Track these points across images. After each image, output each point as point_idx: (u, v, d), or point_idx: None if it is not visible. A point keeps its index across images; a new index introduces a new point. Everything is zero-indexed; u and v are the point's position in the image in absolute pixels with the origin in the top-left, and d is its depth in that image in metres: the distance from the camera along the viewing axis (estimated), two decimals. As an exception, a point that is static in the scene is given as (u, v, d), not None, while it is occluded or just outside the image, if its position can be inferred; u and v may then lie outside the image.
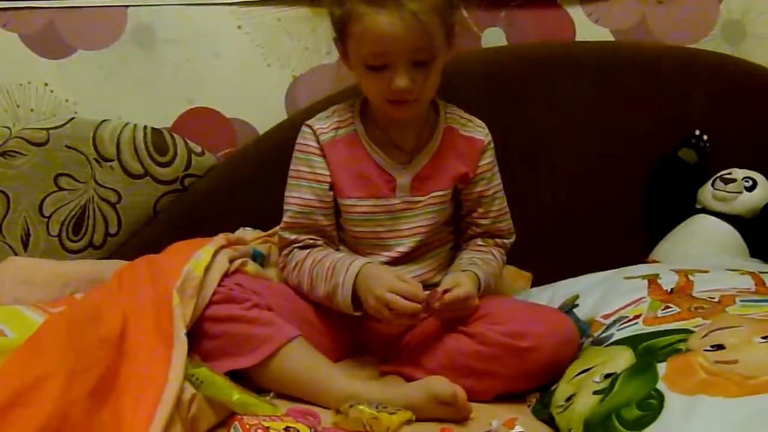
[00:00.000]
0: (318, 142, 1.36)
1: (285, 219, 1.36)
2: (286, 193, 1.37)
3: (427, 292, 1.25)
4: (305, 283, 1.33)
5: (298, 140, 1.38)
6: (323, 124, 1.37)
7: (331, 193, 1.36)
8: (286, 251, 1.37)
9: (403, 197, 1.36)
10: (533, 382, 1.26)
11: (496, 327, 1.25)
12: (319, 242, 1.37)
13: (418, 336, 1.32)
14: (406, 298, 1.22)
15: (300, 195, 1.35)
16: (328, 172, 1.35)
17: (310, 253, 1.34)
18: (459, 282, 1.26)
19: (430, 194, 1.36)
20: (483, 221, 1.40)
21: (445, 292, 1.24)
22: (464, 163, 1.37)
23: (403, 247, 1.36)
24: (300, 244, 1.36)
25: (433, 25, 1.23)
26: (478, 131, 1.40)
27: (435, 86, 1.31)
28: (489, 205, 1.40)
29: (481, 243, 1.41)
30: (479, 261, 1.36)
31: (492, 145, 1.41)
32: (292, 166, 1.37)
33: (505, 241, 1.43)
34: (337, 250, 1.38)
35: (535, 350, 1.22)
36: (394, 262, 1.36)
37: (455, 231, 1.44)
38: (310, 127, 1.37)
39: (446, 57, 1.31)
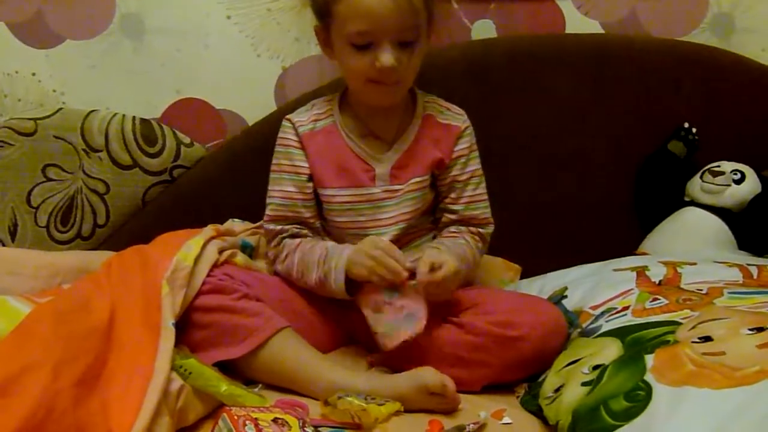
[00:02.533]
0: (297, 135, 1.37)
1: (267, 212, 1.38)
2: (269, 187, 1.38)
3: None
4: (296, 270, 1.33)
5: (279, 134, 1.39)
6: (302, 117, 1.38)
7: (311, 184, 1.37)
8: (274, 242, 1.38)
9: (383, 186, 1.36)
10: (522, 372, 1.27)
11: (485, 317, 1.25)
12: (305, 231, 1.37)
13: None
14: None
15: (281, 188, 1.37)
16: (307, 164, 1.36)
17: (301, 243, 1.35)
18: (444, 261, 1.24)
19: (408, 182, 1.36)
20: (455, 207, 1.40)
21: (433, 269, 1.23)
22: (440, 149, 1.38)
23: (386, 236, 1.36)
24: (287, 234, 1.37)
25: (419, 5, 1.25)
26: (456, 118, 1.40)
27: (415, 71, 1.32)
28: (462, 190, 1.39)
29: (453, 230, 1.40)
30: (448, 243, 1.35)
31: (470, 131, 1.41)
32: (273, 160, 1.39)
33: (480, 230, 1.41)
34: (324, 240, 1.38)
35: (524, 339, 1.23)
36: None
37: (434, 221, 1.44)
38: (289, 120, 1.39)
39: (428, 44, 1.32)
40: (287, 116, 1.40)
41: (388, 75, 1.27)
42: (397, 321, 1.24)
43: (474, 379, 1.24)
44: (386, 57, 1.25)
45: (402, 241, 1.38)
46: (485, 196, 1.42)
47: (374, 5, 1.22)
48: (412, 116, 1.39)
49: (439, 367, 1.19)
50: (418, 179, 1.37)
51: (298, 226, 1.37)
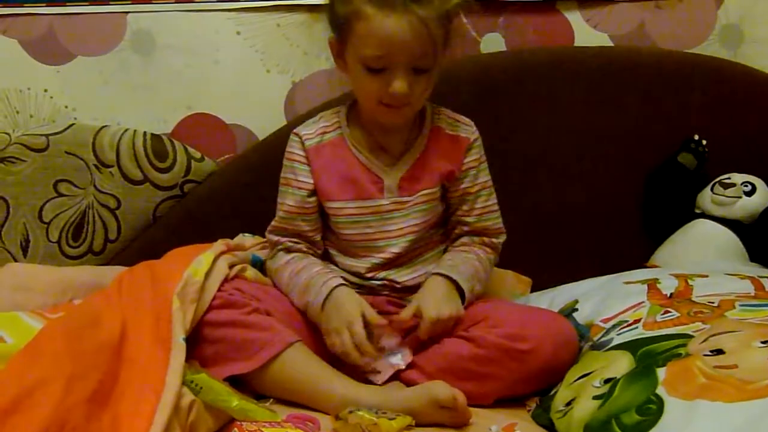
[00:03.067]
0: (304, 149, 1.37)
1: (273, 222, 1.39)
2: (278, 199, 1.39)
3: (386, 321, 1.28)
4: (284, 289, 1.35)
5: (287, 148, 1.40)
6: (309, 130, 1.39)
7: (312, 200, 1.37)
8: (271, 253, 1.40)
9: (392, 198, 1.36)
10: (533, 386, 1.26)
11: (495, 330, 1.25)
12: (300, 245, 1.38)
13: (418, 340, 1.31)
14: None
15: (285, 201, 1.38)
16: (311, 180, 1.37)
17: (290, 261, 1.35)
18: (424, 307, 1.27)
19: (417, 193, 1.36)
20: (468, 219, 1.39)
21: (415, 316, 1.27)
22: (450, 161, 1.38)
23: (395, 248, 1.36)
24: (282, 247, 1.38)
25: (437, 33, 1.24)
26: (465, 129, 1.40)
27: (428, 93, 1.32)
28: (473, 202, 1.39)
29: (465, 241, 1.40)
30: (459, 263, 1.35)
31: (479, 142, 1.40)
32: (281, 173, 1.40)
33: (494, 240, 1.41)
34: (319, 255, 1.39)
35: (534, 353, 1.23)
36: (386, 264, 1.37)
37: (445, 233, 1.44)
38: (296, 134, 1.39)
39: (441, 66, 1.31)
40: (295, 130, 1.40)
41: (400, 100, 1.27)
42: (382, 360, 1.27)
43: (485, 393, 1.24)
44: (399, 84, 1.24)
45: (411, 254, 1.38)
46: (496, 207, 1.42)
47: (394, 31, 1.21)
48: (421, 128, 1.39)
49: (450, 381, 1.19)
50: (427, 191, 1.37)
51: (295, 240, 1.38)
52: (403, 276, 1.37)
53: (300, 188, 1.37)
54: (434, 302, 1.27)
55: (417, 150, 1.37)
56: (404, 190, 1.36)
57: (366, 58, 1.25)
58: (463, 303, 1.30)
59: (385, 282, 1.37)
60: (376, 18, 1.22)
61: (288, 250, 1.37)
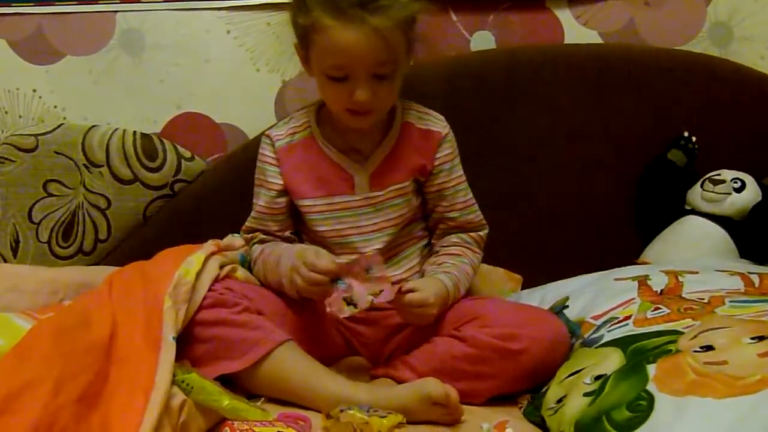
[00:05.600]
0: (274, 150, 1.39)
1: (246, 222, 1.41)
2: (253, 200, 1.41)
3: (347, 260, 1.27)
4: (261, 276, 1.36)
5: (259, 150, 1.41)
6: (279, 131, 1.40)
7: (281, 200, 1.38)
8: (249, 250, 1.41)
9: (363, 194, 1.36)
10: (525, 384, 1.26)
11: (487, 329, 1.25)
12: (270, 238, 1.39)
13: (409, 339, 1.32)
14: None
15: (257, 201, 1.40)
16: (280, 181, 1.38)
17: (263, 249, 1.37)
18: (421, 288, 1.26)
19: (388, 188, 1.36)
20: (451, 214, 1.40)
21: (401, 290, 1.25)
22: (422, 155, 1.38)
23: (374, 245, 1.36)
24: (257, 240, 1.40)
25: (395, 41, 1.25)
26: (436, 123, 1.40)
27: (395, 96, 1.33)
28: (453, 197, 1.39)
29: (455, 241, 1.40)
30: (452, 268, 1.35)
31: (451, 136, 1.40)
32: (255, 174, 1.42)
33: (480, 233, 1.42)
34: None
35: (526, 352, 1.23)
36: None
37: (427, 229, 1.44)
38: (267, 136, 1.41)
39: (408, 66, 1.33)
40: (266, 131, 1.42)
41: (363, 106, 1.28)
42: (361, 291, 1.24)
43: (477, 391, 1.24)
44: (361, 93, 1.26)
45: (391, 251, 1.38)
46: (474, 200, 1.42)
47: (352, 43, 1.22)
48: (392, 124, 1.39)
49: (442, 380, 1.19)
50: (398, 186, 1.37)
51: (265, 237, 1.40)
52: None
53: (270, 189, 1.38)
54: (432, 293, 1.27)
55: (387, 145, 1.37)
56: (375, 185, 1.36)
57: (327, 68, 1.27)
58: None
59: None
60: (334, 30, 1.23)
61: (261, 242, 1.39)
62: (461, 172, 1.41)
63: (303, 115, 1.42)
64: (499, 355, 1.23)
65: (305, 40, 1.29)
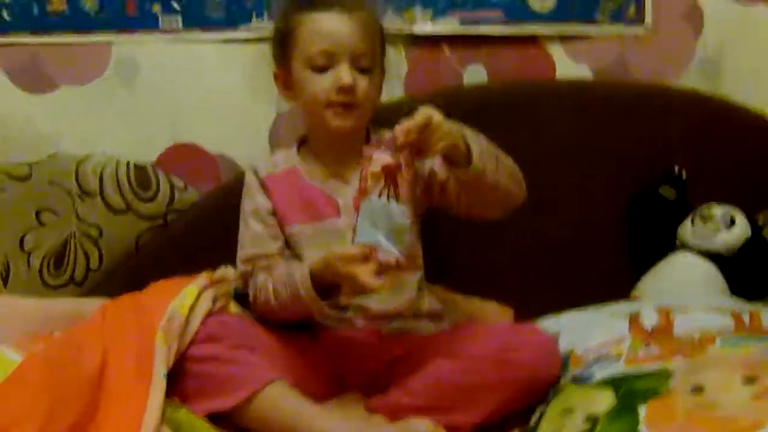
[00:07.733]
0: (259, 179, 1.41)
1: (239, 256, 1.40)
2: (239, 237, 1.41)
3: None
4: (272, 300, 1.31)
5: (244, 181, 1.44)
6: (262, 164, 1.44)
7: (273, 219, 1.39)
8: (250, 282, 1.38)
9: (349, 216, 1.33)
10: (517, 400, 1.26)
11: (480, 343, 1.27)
12: (273, 263, 1.38)
13: (404, 365, 1.31)
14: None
15: (248, 230, 1.40)
16: (270, 203, 1.40)
17: (268, 275, 1.35)
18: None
19: None
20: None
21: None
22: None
23: None
24: (258, 266, 1.37)
25: (371, 31, 1.35)
26: None
27: (373, 103, 1.38)
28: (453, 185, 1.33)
29: None
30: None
31: None
32: (241, 207, 1.42)
33: None
34: None
35: (520, 361, 1.24)
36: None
37: (426, 263, 1.43)
38: (249, 167, 1.45)
39: (382, 79, 1.39)
40: (247, 165, 1.46)
41: (347, 94, 1.31)
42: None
43: (471, 411, 1.24)
44: (345, 74, 1.30)
45: None
46: None
47: (333, 25, 1.32)
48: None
49: (438, 402, 1.21)
50: None
51: (266, 261, 1.37)
52: (384, 304, 1.36)
53: (260, 210, 1.39)
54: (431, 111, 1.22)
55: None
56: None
57: (311, 56, 1.32)
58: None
59: (358, 310, 1.35)
60: (318, 18, 1.33)
61: (266, 268, 1.37)
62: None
63: (285, 150, 1.46)
64: (492, 364, 1.24)
65: (288, 44, 1.36)
